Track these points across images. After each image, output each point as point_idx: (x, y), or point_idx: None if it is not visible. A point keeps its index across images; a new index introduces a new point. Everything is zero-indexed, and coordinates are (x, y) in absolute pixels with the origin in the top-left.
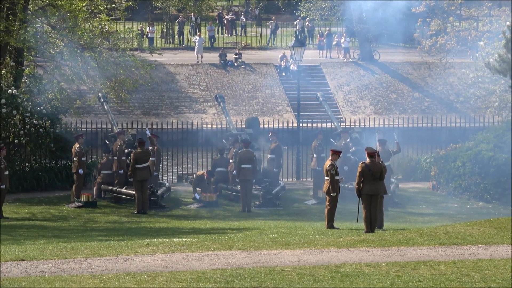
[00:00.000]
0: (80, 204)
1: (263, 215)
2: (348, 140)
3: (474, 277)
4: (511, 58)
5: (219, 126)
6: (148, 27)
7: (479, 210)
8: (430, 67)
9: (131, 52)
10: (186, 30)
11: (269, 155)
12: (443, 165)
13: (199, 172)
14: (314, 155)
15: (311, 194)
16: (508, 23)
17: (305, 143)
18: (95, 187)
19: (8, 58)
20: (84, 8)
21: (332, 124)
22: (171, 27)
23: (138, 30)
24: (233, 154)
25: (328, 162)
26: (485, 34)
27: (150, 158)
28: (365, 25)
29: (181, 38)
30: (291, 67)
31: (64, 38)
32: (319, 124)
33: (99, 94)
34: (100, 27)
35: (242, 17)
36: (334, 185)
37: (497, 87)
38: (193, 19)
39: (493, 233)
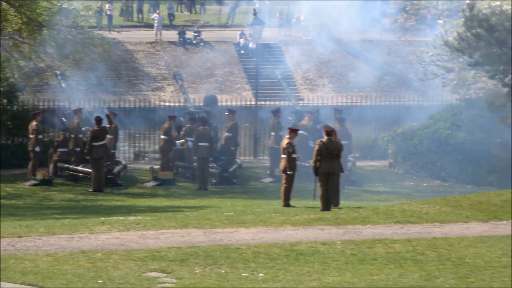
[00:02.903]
0: (36, 182)
1: (219, 193)
2: (306, 118)
3: (429, 255)
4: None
5: (177, 104)
6: (107, 5)
7: (435, 189)
8: (389, 46)
9: (89, 29)
10: (145, 7)
11: (225, 133)
12: (401, 143)
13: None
14: (272, 133)
15: (268, 172)
16: (467, 1)
17: (263, 121)
18: (51, 165)
19: None
20: None
21: (290, 102)
22: (130, 4)
23: (97, 7)
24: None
25: (285, 140)
26: (444, 12)
27: (107, 136)
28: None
29: (140, 16)
30: (250, 45)
31: (22, 16)
32: (277, 102)
33: (57, 71)
34: (58, 4)
35: None
36: (291, 163)
37: (455, 65)
38: None
39: (448, 212)
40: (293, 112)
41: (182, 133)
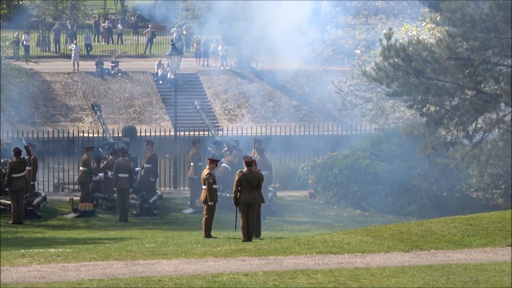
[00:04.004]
0: None
1: (140, 225)
2: (225, 149)
3: (351, 285)
4: (388, 66)
5: (96, 135)
6: (24, 35)
7: (356, 218)
8: (307, 75)
9: (6, 60)
10: (63, 38)
11: (145, 164)
12: (321, 173)
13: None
14: (192, 164)
15: (189, 203)
16: (384, 31)
17: (183, 151)
18: None
19: None
20: None
21: (210, 132)
22: (47, 35)
23: (14, 38)
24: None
25: (205, 171)
26: (361, 42)
27: (26, 168)
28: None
29: (57, 46)
30: (168, 75)
31: None
32: (196, 133)
33: None
34: None
35: (119, 25)
36: (212, 194)
37: (373, 95)
38: (69, 27)
39: (370, 241)
40: (213, 143)
41: (103, 165)
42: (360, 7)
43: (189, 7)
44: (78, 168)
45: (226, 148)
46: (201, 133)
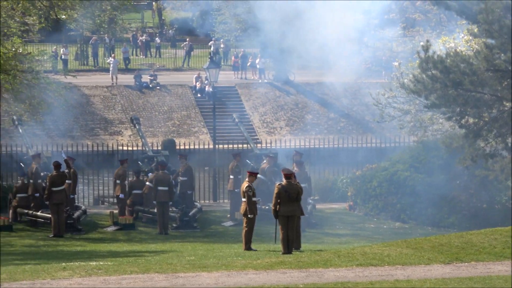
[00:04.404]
0: None
1: (180, 237)
2: (264, 162)
3: None
4: (426, 78)
5: (135, 148)
6: (62, 49)
7: (396, 231)
8: (345, 88)
9: (45, 74)
10: (101, 51)
11: (180, 178)
12: (360, 185)
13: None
14: (231, 177)
15: (229, 215)
16: (422, 43)
17: (222, 164)
18: (10, 211)
19: None
20: None
21: (248, 145)
22: (85, 49)
23: (52, 52)
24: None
25: (245, 184)
26: (399, 55)
27: (66, 181)
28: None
29: (95, 60)
30: (206, 88)
31: None
32: (235, 146)
33: (14, 116)
34: (13, 49)
35: (157, 38)
36: (251, 207)
37: (412, 107)
38: (107, 40)
39: (410, 254)
40: (252, 155)
41: (146, 178)
42: (398, 19)
43: (227, 20)
44: (114, 181)
45: (265, 161)
46: (240, 146)
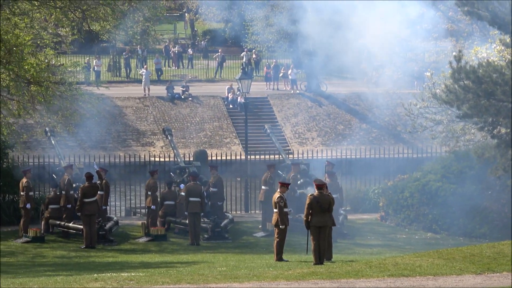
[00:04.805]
0: (28, 239)
1: (211, 248)
2: (296, 172)
3: None
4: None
5: (167, 159)
6: (94, 60)
7: (427, 241)
8: (377, 98)
9: (77, 85)
10: (133, 63)
11: (211, 189)
12: (391, 196)
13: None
14: (263, 187)
15: (260, 226)
16: (454, 53)
17: (254, 175)
18: (42, 222)
19: None
20: (30, 42)
21: (280, 156)
22: (117, 60)
23: (85, 63)
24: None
25: (276, 194)
26: (431, 65)
27: (98, 192)
28: (311, 57)
29: (128, 71)
30: (238, 99)
31: (10, 73)
32: (267, 156)
33: (46, 128)
34: (46, 61)
35: (189, 49)
36: (283, 218)
37: (444, 117)
38: (140, 52)
39: (441, 264)
40: (284, 166)
41: (178, 189)
42: (430, 29)
43: (259, 31)
44: (146, 193)
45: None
46: (272, 156)
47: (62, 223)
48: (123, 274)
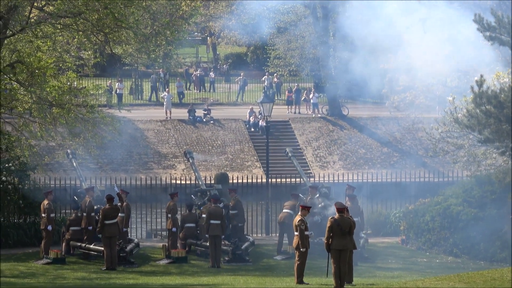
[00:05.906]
0: (49, 260)
1: (232, 271)
2: (317, 195)
3: None
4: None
5: (188, 182)
6: (117, 83)
7: (448, 265)
8: (398, 122)
9: (99, 108)
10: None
11: (230, 211)
12: (412, 219)
13: None
14: (287, 211)
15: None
16: (476, 78)
17: (275, 198)
18: (63, 244)
19: None
20: (52, 65)
21: (301, 179)
22: (139, 83)
23: (107, 86)
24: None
25: (297, 218)
26: (453, 89)
27: (119, 214)
28: (333, 81)
29: (153, 94)
30: (260, 123)
31: (33, 95)
32: (287, 180)
33: (68, 150)
34: (68, 83)
35: (211, 73)
36: (304, 241)
37: (465, 142)
38: (162, 75)
39: None
40: (305, 190)
41: (199, 212)
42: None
43: (281, 55)
44: (166, 215)
45: (318, 195)
46: (293, 180)
47: (83, 244)
48: None
